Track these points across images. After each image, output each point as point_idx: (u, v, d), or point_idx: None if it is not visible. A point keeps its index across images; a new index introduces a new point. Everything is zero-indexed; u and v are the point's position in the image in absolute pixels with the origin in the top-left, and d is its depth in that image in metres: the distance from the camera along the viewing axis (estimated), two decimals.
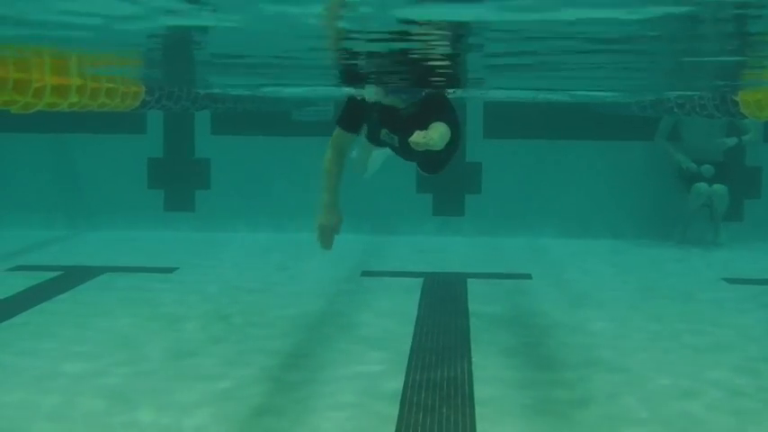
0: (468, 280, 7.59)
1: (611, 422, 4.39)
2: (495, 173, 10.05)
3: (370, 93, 4.86)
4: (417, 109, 4.92)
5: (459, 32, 3.11)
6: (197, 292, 7.03)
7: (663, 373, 5.14)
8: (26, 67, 3.54)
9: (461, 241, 9.70)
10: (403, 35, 3.04)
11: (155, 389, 4.76)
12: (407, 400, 4.63)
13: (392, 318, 6.29)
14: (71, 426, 4.26)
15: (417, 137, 4.26)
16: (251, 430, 4.28)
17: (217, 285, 7.31)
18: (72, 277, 7.51)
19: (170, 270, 7.90)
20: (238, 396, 4.67)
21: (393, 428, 4.26)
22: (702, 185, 9.45)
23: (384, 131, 5.10)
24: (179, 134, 10.25)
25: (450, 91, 5.46)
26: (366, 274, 7.91)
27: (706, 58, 3.68)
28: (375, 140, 5.27)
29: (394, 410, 4.48)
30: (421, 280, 7.56)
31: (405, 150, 4.95)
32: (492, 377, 5.01)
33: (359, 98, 5.08)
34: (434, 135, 4.38)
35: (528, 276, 7.84)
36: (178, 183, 10.27)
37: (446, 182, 9.59)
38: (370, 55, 3.65)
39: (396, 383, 4.87)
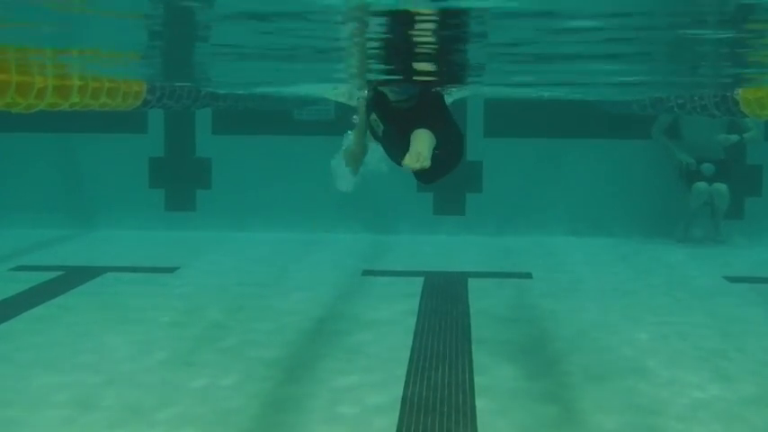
0: (469, 279, 7.59)
1: (612, 417, 4.39)
2: (495, 172, 10.05)
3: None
4: (410, 105, 4.87)
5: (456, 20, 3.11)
6: (198, 292, 7.03)
7: (665, 370, 5.14)
8: (28, 70, 3.54)
9: (462, 240, 9.70)
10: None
11: (151, 390, 4.77)
12: (408, 400, 4.63)
13: (393, 317, 6.30)
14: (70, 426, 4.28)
15: (410, 160, 4.21)
16: (252, 429, 4.29)
17: (218, 285, 7.31)
18: (73, 277, 7.51)
19: (171, 270, 7.91)
20: (239, 395, 4.68)
21: (394, 428, 4.27)
22: (703, 184, 9.45)
23: (373, 116, 5.08)
24: (180, 134, 10.26)
25: (449, 92, 5.43)
26: (367, 273, 7.91)
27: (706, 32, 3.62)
28: (367, 122, 5.25)
29: (394, 410, 4.48)
30: (422, 279, 7.56)
31: (392, 145, 4.94)
32: (493, 376, 5.01)
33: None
34: (424, 151, 4.31)
35: (528, 275, 7.84)
36: (179, 182, 10.27)
37: (447, 181, 9.58)
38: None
39: (396, 383, 4.87)
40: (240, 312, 6.40)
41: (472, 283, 7.45)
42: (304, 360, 5.30)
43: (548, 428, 4.30)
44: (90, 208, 10.23)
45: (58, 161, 10.27)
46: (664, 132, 9.77)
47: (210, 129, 10.21)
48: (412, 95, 4.88)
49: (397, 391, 4.74)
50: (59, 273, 7.67)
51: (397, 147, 4.90)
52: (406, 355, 5.39)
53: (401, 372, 5.05)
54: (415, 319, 6.24)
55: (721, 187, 9.44)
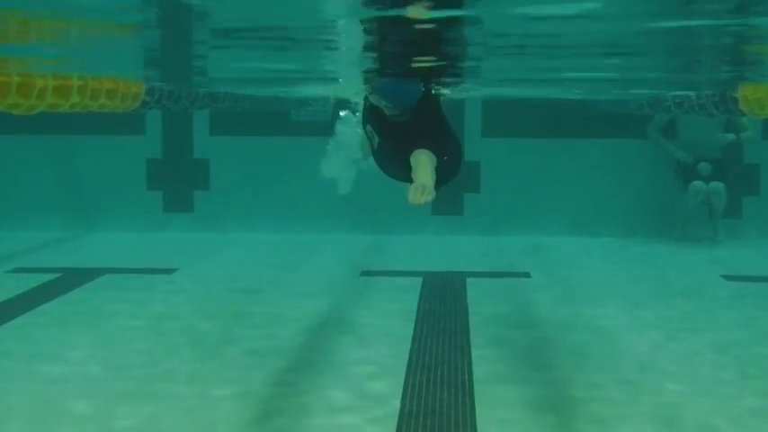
0: (468, 279, 7.59)
1: (612, 418, 4.40)
2: (493, 172, 10.05)
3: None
4: (405, 118, 4.58)
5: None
6: (196, 293, 7.03)
7: (663, 371, 5.15)
8: (28, 72, 3.53)
9: (460, 240, 9.71)
10: None
11: (150, 391, 4.76)
12: (407, 399, 4.63)
13: (392, 317, 6.30)
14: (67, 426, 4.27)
15: (415, 196, 3.97)
16: (253, 429, 4.29)
17: (216, 286, 7.31)
18: (71, 279, 7.51)
19: (169, 271, 7.90)
20: (240, 395, 4.67)
21: (393, 428, 4.27)
22: (700, 183, 9.46)
23: (368, 127, 4.89)
24: (178, 135, 10.25)
25: (446, 91, 5.33)
26: (366, 273, 7.91)
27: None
28: (365, 130, 5.07)
29: (393, 410, 4.48)
30: (420, 279, 7.57)
31: (387, 160, 4.83)
32: (492, 375, 5.01)
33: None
34: (429, 183, 4.05)
35: (527, 275, 7.85)
36: (177, 183, 10.26)
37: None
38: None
39: (395, 382, 4.87)
40: (238, 314, 6.39)
41: (471, 282, 7.45)
42: (301, 361, 5.30)
43: (547, 428, 4.30)
44: (88, 210, 10.22)
45: (57, 163, 10.26)
46: (660, 131, 9.79)
47: (208, 130, 10.21)
48: (407, 109, 4.59)
49: (396, 390, 4.74)
50: (57, 275, 7.66)
51: (392, 162, 4.78)
52: (405, 355, 5.39)
53: (400, 371, 5.05)
54: (414, 319, 6.24)
55: (718, 186, 9.45)
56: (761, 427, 4.37)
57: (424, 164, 4.27)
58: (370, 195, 9.40)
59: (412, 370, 5.11)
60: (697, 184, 9.45)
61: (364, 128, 4.99)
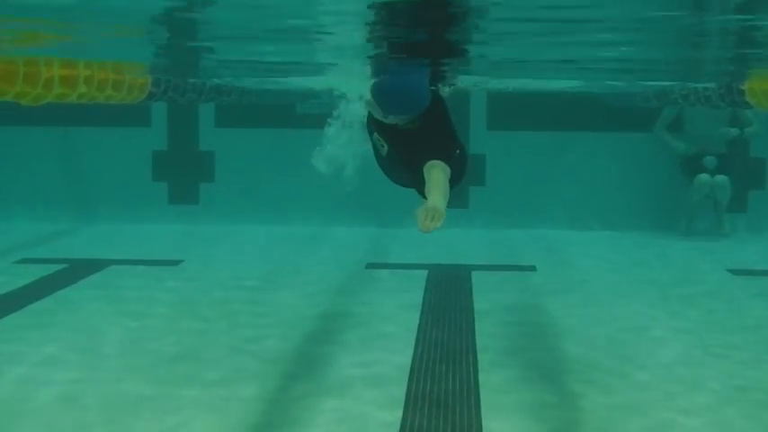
0: (473, 272, 7.59)
1: (616, 417, 4.40)
2: (499, 165, 10.05)
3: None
4: (415, 125, 4.36)
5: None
6: (202, 285, 7.04)
7: (669, 365, 5.15)
8: (34, 60, 3.54)
9: (465, 233, 9.70)
10: None
11: (155, 384, 4.78)
12: (412, 393, 4.64)
13: (397, 310, 6.31)
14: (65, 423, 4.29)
15: (425, 221, 3.75)
16: (253, 425, 4.30)
17: (221, 278, 7.32)
18: (77, 270, 7.52)
19: (175, 263, 7.91)
20: (240, 393, 4.68)
21: (398, 423, 4.27)
22: (705, 177, 9.44)
23: (376, 135, 4.67)
24: (183, 127, 10.26)
25: (448, 87, 5.27)
26: (371, 266, 7.92)
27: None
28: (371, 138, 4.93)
29: (398, 404, 4.49)
30: (425, 272, 7.57)
31: (394, 169, 4.75)
32: (497, 369, 5.02)
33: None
34: (442, 206, 3.84)
35: (532, 268, 7.85)
36: (182, 175, 10.27)
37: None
38: None
39: (401, 375, 4.88)
40: (244, 305, 6.40)
41: (476, 276, 7.46)
42: (307, 353, 5.31)
43: (552, 421, 4.31)
44: (93, 201, 10.23)
45: (62, 155, 10.27)
46: (666, 129, 9.75)
47: (214, 122, 10.21)
48: (416, 117, 4.34)
49: (402, 384, 4.75)
50: (63, 266, 7.68)
51: (401, 171, 4.66)
52: (411, 348, 5.40)
53: (405, 365, 5.06)
54: (419, 313, 6.25)
55: (723, 179, 9.43)
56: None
57: (437, 182, 4.05)
58: (376, 188, 9.40)
59: (417, 361, 5.12)
60: (702, 176, 9.43)
61: (371, 136, 4.76)
